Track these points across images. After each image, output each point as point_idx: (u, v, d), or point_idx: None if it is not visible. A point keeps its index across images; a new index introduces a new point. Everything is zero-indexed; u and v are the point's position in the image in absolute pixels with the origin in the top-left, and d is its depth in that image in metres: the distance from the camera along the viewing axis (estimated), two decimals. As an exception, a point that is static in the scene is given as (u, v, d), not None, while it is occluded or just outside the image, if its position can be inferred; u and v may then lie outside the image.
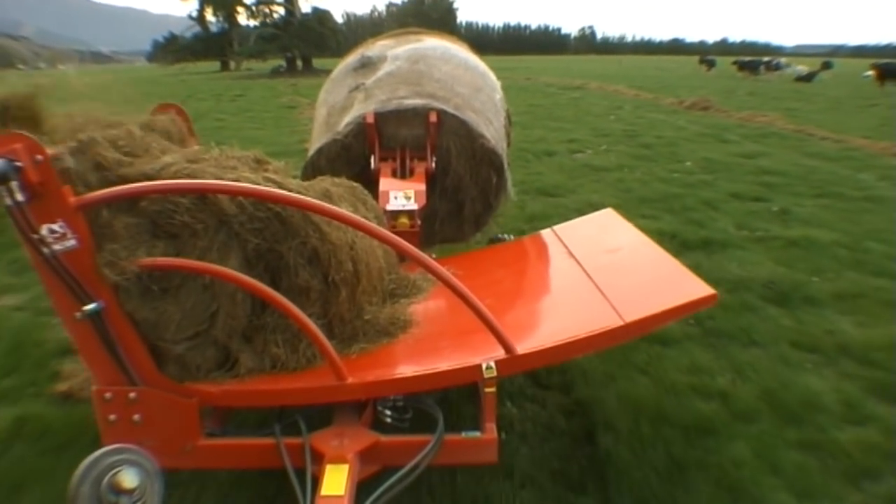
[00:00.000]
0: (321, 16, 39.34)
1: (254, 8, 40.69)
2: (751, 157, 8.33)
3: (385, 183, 3.06)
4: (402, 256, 2.40)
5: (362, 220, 1.83)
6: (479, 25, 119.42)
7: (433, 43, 3.78)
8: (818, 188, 6.52)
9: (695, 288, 2.07)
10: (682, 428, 2.44)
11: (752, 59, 34.07)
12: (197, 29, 43.59)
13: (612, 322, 1.95)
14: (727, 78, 27.61)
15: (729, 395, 2.67)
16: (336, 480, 1.61)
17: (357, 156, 3.26)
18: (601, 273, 2.40)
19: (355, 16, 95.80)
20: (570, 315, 2.26)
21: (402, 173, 3.24)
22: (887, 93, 19.19)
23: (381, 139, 3.25)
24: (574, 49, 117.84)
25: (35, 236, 1.51)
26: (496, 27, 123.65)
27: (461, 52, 3.84)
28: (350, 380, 1.78)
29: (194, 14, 42.78)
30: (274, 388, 1.82)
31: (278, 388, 1.82)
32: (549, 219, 5.06)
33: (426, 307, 2.31)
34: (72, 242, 1.55)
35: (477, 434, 1.83)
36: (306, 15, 39.18)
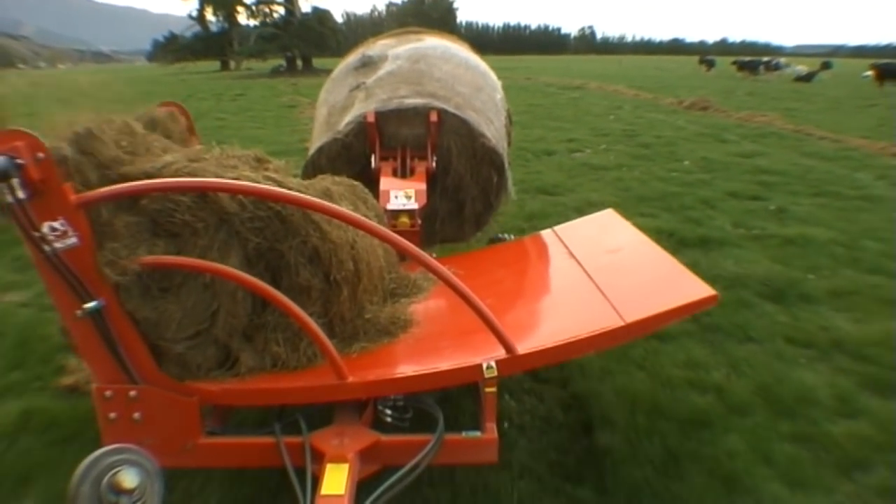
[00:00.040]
0: (321, 15, 39.34)
1: (254, 7, 40.73)
2: (749, 156, 8.35)
3: (386, 182, 3.06)
4: (403, 256, 2.40)
5: (363, 218, 1.82)
6: (479, 25, 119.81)
7: (434, 42, 3.78)
8: (815, 187, 6.54)
9: (696, 289, 2.07)
10: (677, 421, 2.47)
11: (752, 59, 34.04)
12: (197, 28, 43.59)
13: (613, 322, 1.96)
14: (727, 78, 27.61)
15: (724, 389, 2.70)
16: (336, 480, 1.61)
17: (358, 155, 3.26)
18: (602, 273, 2.40)
19: (355, 15, 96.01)
20: (571, 315, 2.26)
21: (403, 172, 3.23)
22: (886, 93, 19.21)
23: (381, 138, 3.24)
24: (574, 49, 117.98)
25: (36, 234, 1.51)
26: (496, 27, 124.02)
27: (462, 51, 3.83)
28: (350, 379, 1.78)
29: (194, 14, 42.82)
30: (274, 387, 1.82)
31: (279, 387, 1.82)
32: (549, 217, 5.09)
33: (427, 307, 2.31)
34: (73, 240, 1.54)
35: (477, 434, 1.83)
36: (306, 14, 39.19)
